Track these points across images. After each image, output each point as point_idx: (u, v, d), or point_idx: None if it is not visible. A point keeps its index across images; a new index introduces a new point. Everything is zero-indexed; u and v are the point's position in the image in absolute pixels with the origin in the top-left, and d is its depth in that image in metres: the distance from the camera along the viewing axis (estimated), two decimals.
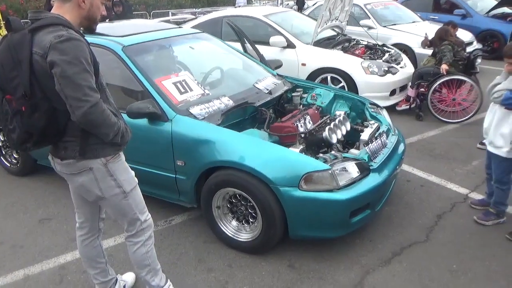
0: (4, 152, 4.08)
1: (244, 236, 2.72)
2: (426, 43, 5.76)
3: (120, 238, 2.94)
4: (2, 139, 4.02)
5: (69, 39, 1.57)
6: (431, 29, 6.92)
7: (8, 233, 3.10)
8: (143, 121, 2.76)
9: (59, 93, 1.60)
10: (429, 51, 5.85)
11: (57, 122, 1.71)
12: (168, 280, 2.32)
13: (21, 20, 1.73)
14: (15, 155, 4.00)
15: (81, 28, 1.81)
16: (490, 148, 2.89)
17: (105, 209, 2.09)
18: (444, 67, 4.95)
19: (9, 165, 4.07)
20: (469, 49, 6.10)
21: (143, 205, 2.08)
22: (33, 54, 1.58)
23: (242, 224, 2.74)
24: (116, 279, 2.35)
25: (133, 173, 2.04)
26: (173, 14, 14.02)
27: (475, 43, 7.57)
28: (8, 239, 3.02)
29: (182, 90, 2.94)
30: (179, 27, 4.39)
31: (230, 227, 2.77)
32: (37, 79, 1.61)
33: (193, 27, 6.27)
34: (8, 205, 3.52)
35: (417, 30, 7.35)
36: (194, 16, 8.64)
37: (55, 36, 1.56)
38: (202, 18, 6.86)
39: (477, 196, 3.34)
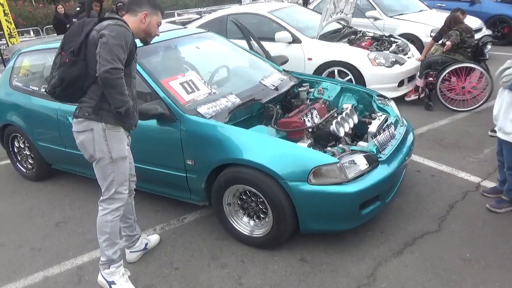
0: (20, 158, 4.18)
1: (256, 231, 2.75)
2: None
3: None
4: (17, 146, 4.12)
5: (120, 25, 2.12)
6: (438, 17, 6.86)
7: (26, 237, 3.19)
8: (152, 122, 2.80)
9: (96, 55, 2.03)
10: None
11: (84, 81, 2.15)
12: (123, 268, 2.51)
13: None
14: (30, 161, 4.09)
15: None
16: (500, 135, 2.86)
17: (95, 171, 2.35)
18: (447, 43, 4.91)
19: (25, 170, 4.18)
20: (477, 35, 6.01)
21: (124, 179, 2.35)
22: (93, 30, 2.13)
23: (253, 220, 2.78)
24: (140, 236, 2.75)
25: (126, 149, 2.34)
26: (178, 15, 14.09)
27: (484, 29, 7.45)
28: (27, 243, 3.11)
29: (189, 90, 2.98)
30: (184, 28, 4.43)
31: (241, 223, 2.80)
32: (86, 45, 2.11)
33: (199, 26, 6.31)
34: (25, 209, 3.61)
35: (425, 19, 7.27)
36: (199, 16, 8.67)
37: (113, 22, 2.12)
38: (207, 17, 6.89)
39: (489, 184, 3.32)
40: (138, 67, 2.93)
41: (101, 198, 2.37)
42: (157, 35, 2.38)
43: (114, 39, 2.03)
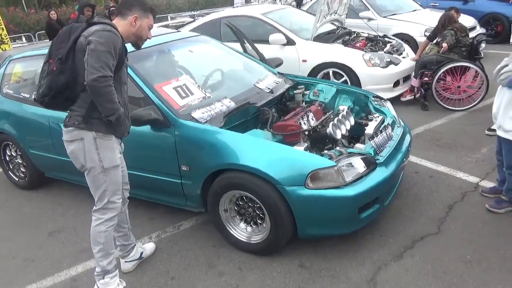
0: (11, 167, 4.11)
1: (253, 238, 2.70)
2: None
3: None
4: (9, 154, 4.05)
5: (109, 31, 2.05)
6: (432, 17, 6.86)
7: (19, 247, 3.11)
8: (146, 128, 2.75)
9: (85, 62, 1.99)
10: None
11: (73, 89, 2.11)
12: (119, 279, 2.47)
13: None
14: (22, 169, 4.02)
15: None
16: (499, 133, 2.84)
17: (87, 181, 2.30)
18: (444, 45, 4.89)
19: (17, 179, 4.10)
20: (472, 34, 6.01)
21: (117, 188, 2.31)
22: (81, 36, 2.07)
23: (250, 226, 2.72)
24: (135, 245, 2.69)
25: (118, 157, 2.28)
26: (171, 18, 14.04)
27: (478, 27, 7.46)
28: (20, 253, 3.04)
29: (183, 95, 2.93)
30: (177, 31, 4.39)
31: (238, 229, 2.75)
32: (74, 52, 2.06)
33: (192, 30, 6.27)
34: (18, 219, 3.54)
35: (418, 19, 7.27)
36: (192, 19, 8.62)
37: (101, 27, 2.06)
38: (200, 21, 6.84)
39: (488, 184, 3.29)
40: (130, 72, 2.88)
41: (94, 208, 2.32)
42: (149, 38, 2.32)
43: (102, 46, 1.98)
